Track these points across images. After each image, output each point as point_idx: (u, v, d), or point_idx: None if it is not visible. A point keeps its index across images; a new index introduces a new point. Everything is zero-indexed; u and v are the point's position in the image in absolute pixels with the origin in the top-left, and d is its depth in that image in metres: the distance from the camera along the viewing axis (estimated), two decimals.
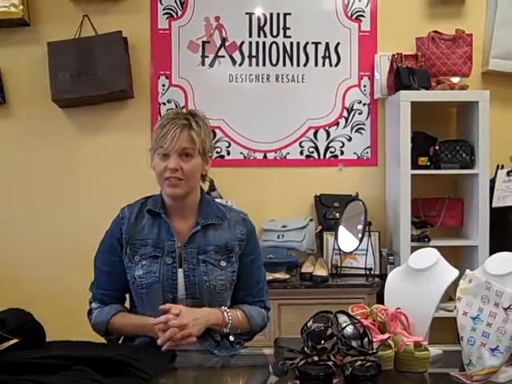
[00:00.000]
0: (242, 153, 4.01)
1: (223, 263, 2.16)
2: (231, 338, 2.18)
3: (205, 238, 2.16)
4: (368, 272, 3.68)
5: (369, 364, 1.74)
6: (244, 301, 2.23)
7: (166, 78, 3.97)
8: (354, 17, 4.01)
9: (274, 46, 4.00)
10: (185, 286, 2.12)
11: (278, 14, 3.99)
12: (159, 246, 2.14)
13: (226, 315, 2.12)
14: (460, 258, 3.78)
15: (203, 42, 3.98)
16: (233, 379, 2.01)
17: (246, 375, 2.07)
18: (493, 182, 3.74)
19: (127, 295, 2.26)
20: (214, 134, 3.94)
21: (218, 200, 2.98)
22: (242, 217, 2.25)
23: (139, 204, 2.23)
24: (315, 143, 4.02)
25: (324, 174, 4.00)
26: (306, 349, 1.79)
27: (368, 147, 4.03)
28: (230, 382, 1.98)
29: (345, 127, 4.02)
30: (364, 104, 4.03)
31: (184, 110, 2.21)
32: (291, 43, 4.00)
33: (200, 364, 2.05)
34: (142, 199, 2.25)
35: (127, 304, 2.27)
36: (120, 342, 2.21)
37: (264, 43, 4.00)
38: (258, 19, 4.00)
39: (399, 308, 1.99)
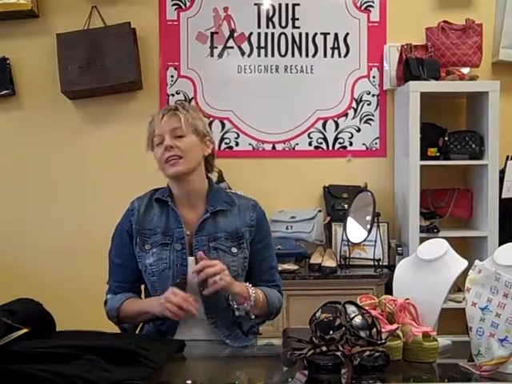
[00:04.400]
0: (250, 144, 4.01)
1: (234, 249, 2.17)
2: (252, 316, 2.15)
3: (215, 225, 2.18)
4: (376, 263, 3.67)
5: (377, 354, 1.74)
6: (259, 286, 2.21)
7: (175, 69, 3.97)
8: (363, 7, 3.99)
9: (282, 36, 3.99)
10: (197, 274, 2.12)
11: (287, 5, 3.98)
12: (168, 234, 2.16)
13: (249, 290, 2.11)
14: (469, 249, 3.77)
15: (212, 33, 3.98)
16: (243, 370, 2.00)
17: (258, 367, 2.06)
18: (502, 172, 3.73)
19: (143, 287, 2.28)
20: (223, 125, 3.95)
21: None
22: (252, 203, 2.27)
23: (148, 195, 2.26)
24: (324, 134, 4.01)
25: (333, 165, 4.00)
26: (314, 339, 1.79)
27: (377, 138, 4.02)
28: (239, 374, 1.97)
29: (354, 118, 4.01)
30: (373, 95, 4.01)
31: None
32: (300, 34, 3.98)
33: (210, 354, 2.05)
34: (151, 191, 2.28)
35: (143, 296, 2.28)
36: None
37: (273, 34, 3.98)
38: (267, 10, 3.98)
39: (408, 299, 1.99)
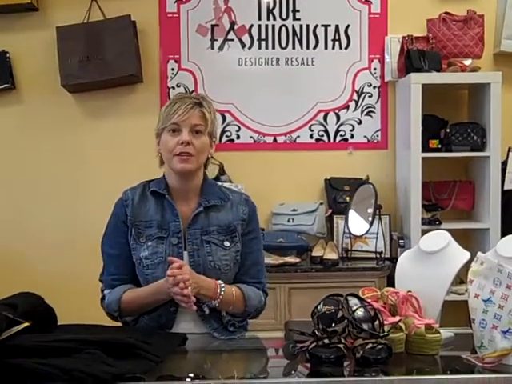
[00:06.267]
0: (251, 137, 3.99)
1: (227, 243, 2.16)
2: (223, 313, 2.15)
3: (207, 219, 2.17)
4: (378, 255, 3.67)
5: (380, 347, 1.73)
6: (241, 280, 2.21)
7: (175, 61, 3.96)
8: None
9: (283, 28, 3.97)
10: (190, 267, 2.10)
11: None
12: (164, 228, 2.15)
13: (218, 288, 2.09)
14: (471, 241, 3.77)
15: (212, 26, 3.96)
16: (243, 363, 2.00)
17: (259, 360, 2.05)
18: (504, 164, 3.72)
19: None
20: (224, 118, 3.94)
21: (226, 184, 2.96)
22: (245, 198, 2.26)
23: (141, 186, 2.23)
24: (325, 126, 4.00)
25: (334, 158, 3.99)
26: (316, 332, 1.78)
27: (378, 130, 4.01)
28: (240, 367, 1.97)
29: (355, 110, 4.00)
30: (374, 87, 4.00)
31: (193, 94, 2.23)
32: (301, 26, 3.97)
33: (209, 347, 2.05)
34: (144, 182, 2.25)
35: None
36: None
37: (273, 26, 3.97)
38: (267, 2, 3.96)
39: (410, 291, 1.98)
